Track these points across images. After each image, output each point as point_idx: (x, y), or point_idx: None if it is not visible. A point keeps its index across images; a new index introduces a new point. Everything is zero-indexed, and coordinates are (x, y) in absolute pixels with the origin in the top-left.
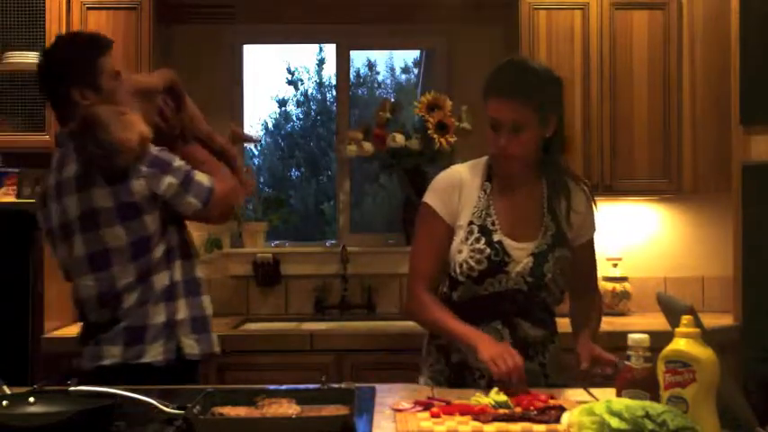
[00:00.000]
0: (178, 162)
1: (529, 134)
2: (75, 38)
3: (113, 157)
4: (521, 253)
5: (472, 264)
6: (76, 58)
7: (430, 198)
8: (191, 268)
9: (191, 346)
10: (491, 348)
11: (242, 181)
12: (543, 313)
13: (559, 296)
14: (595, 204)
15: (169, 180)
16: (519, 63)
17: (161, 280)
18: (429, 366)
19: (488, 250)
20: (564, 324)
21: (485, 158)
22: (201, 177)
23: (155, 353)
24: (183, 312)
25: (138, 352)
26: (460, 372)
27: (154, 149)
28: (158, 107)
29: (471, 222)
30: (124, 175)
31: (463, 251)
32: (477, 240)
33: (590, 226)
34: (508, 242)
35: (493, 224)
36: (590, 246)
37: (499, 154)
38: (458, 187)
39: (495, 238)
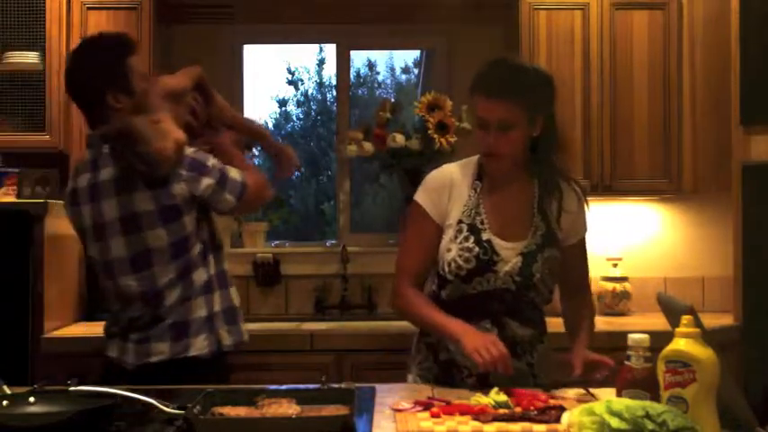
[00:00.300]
0: (212, 161)
1: (517, 133)
2: (102, 40)
3: (153, 166)
4: (509, 252)
5: (461, 262)
6: (107, 61)
7: (420, 197)
8: (221, 261)
9: (225, 338)
10: (475, 340)
11: (286, 153)
12: (532, 312)
13: (548, 296)
14: (587, 204)
15: (207, 181)
16: (507, 62)
17: (200, 276)
18: (417, 364)
19: (477, 249)
20: (556, 324)
21: (476, 157)
22: (234, 174)
23: (199, 346)
24: (218, 304)
25: (185, 346)
26: (448, 370)
27: (189, 151)
28: (190, 106)
29: (461, 221)
30: (165, 180)
31: (452, 250)
32: (466, 239)
33: (581, 226)
34: (497, 241)
35: (482, 223)
36: (581, 246)
37: (488, 153)
38: (448, 186)
39: (484, 236)
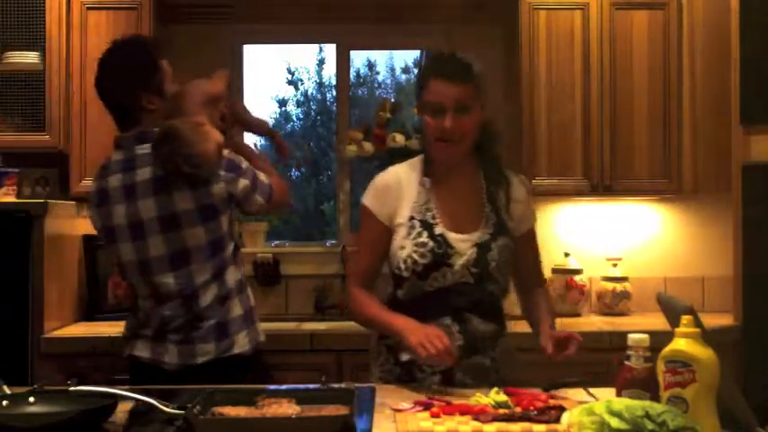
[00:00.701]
0: (245, 163)
1: (473, 117)
2: (132, 42)
3: (198, 168)
4: (464, 245)
5: (416, 258)
6: (140, 63)
7: (367, 200)
8: (242, 262)
9: (260, 334)
10: (418, 333)
11: (277, 138)
12: (492, 307)
13: (505, 285)
14: (531, 196)
15: (244, 182)
16: (454, 52)
17: (233, 275)
18: (379, 366)
19: (431, 243)
20: (520, 326)
21: (421, 156)
22: (262, 176)
23: (242, 343)
24: (249, 302)
25: (229, 345)
26: (410, 370)
27: (224, 152)
28: (221, 111)
29: (412, 218)
30: (206, 181)
31: (406, 246)
32: (420, 234)
33: (530, 216)
34: (450, 234)
35: (434, 218)
36: (532, 237)
37: (444, 138)
38: (394, 187)
39: (437, 231)
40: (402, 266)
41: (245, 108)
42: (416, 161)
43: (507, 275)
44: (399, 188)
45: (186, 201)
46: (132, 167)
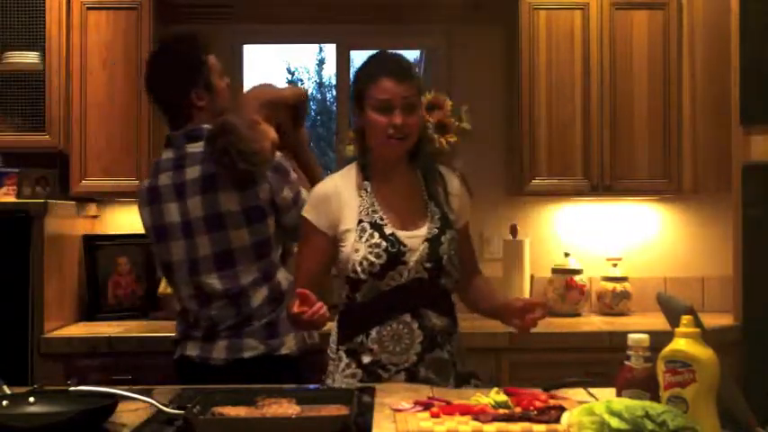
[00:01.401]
0: (294, 174)
1: (417, 116)
2: (179, 39)
3: (252, 165)
4: (415, 241)
5: (372, 259)
6: (188, 60)
7: (307, 211)
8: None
9: (310, 336)
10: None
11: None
12: (445, 302)
13: (456, 276)
14: (470, 192)
15: (287, 192)
16: (392, 52)
17: (285, 278)
18: (341, 372)
19: (384, 243)
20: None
21: (355, 163)
22: (305, 194)
23: (290, 344)
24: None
25: (278, 344)
26: (374, 372)
27: (277, 155)
28: (278, 121)
29: (361, 221)
30: (253, 181)
31: (360, 249)
32: (372, 236)
33: (467, 210)
34: (400, 233)
35: (381, 219)
36: (467, 229)
37: (391, 135)
38: (333, 196)
39: (387, 231)
40: (358, 269)
41: (308, 153)
42: (350, 168)
43: (457, 266)
44: (338, 196)
45: (232, 202)
46: (182, 166)
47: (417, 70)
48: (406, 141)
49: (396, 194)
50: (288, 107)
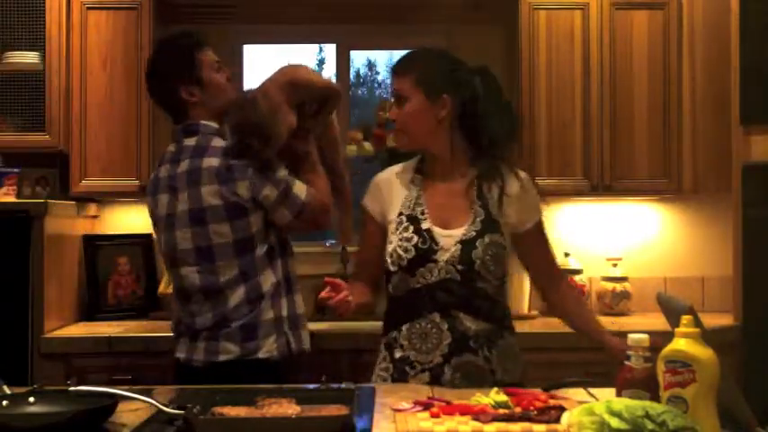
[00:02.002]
0: (282, 172)
1: (410, 106)
2: (171, 37)
3: (265, 142)
4: (448, 240)
5: (400, 252)
6: (176, 58)
7: (365, 200)
8: (289, 266)
9: (293, 341)
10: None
11: (347, 204)
12: (487, 305)
13: (497, 284)
14: (536, 188)
15: (268, 190)
16: (417, 47)
17: (267, 278)
18: (378, 364)
19: (416, 238)
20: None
21: (418, 156)
22: (298, 190)
23: (269, 348)
24: (285, 309)
25: (254, 348)
26: (402, 367)
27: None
28: (302, 103)
29: (401, 213)
30: (269, 164)
31: (393, 241)
32: (406, 229)
33: (532, 211)
34: (437, 230)
35: (422, 213)
36: (539, 231)
37: (396, 128)
38: (387, 184)
39: (424, 226)
40: (388, 260)
41: (339, 154)
42: (412, 161)
43: (499, 273)
44: (390, 186)
45: (213, 196)
46: (178, 159)
47: (426, 62)
48: (401, 134)
49: (443, 191)
50: (314, 94)
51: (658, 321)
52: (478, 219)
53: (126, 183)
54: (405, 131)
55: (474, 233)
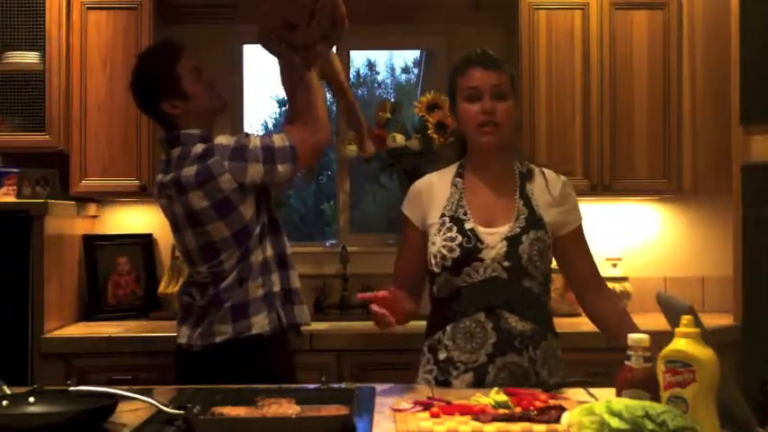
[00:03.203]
0: (253, 141)
1: (508, 105)
2: (149, 52)
3: (284, 34)
4: (493, 238)
5: (445, 252)
6: (155, 73)
7: (404, 206)
8: (280, 243)
9: (282, 317)
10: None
11: (359, 121)
12: (532, 305)
13: (542, 280)
14: (572, 194)
15: (254, 167)
16: (486, 49)
17: (257, 257)
18: (422, 366)
19: (460, 238)
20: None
21: (456, 162)
22: (279, 140)
23: (261, 324)
24: (277, 285)
25: (247, 326)
26: (446, 368)
27: (229, 140)
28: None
29: (443, 215)
30: (210, 176)
31: (436, 242)
32: (449, 230)
33: (574, 213)
34: (480, 229)
35: (465, 214)
36: (578, 236)
37: (483, 121)
38: (426, 190)
39: (468, 226)
40: (432, 262)
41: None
42: (453, 166)
43: (544, 269)
44: (430, 191)
45: (200, 199)
46: (168, 170)
47: (509, 67)
48: (498, 129)
49: (486, 190)
50: (332, 16)
51: (658, 321)
52: (522, 216)
53: (126, 183)
54: (503, 127)
55: (519, 229)
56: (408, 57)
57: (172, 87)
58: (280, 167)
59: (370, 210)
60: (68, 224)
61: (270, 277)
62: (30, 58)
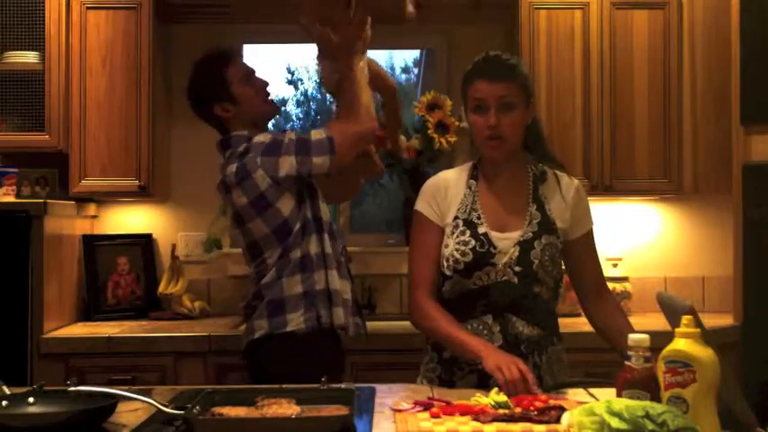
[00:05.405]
0: (288, 135)
1: (516, 115)
2: (201, 59)
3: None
4: (506, 243)
5: (458, 256)
6: (208, 79)
7: (419, 205)
8: (322, 241)
9: (324, 316)
10: (497, 357)
11: (399, 119)
12: (540, 311)
13: (553, 286)
14: (585, 199)
15: (287, 159)
16: (499, 54)
17: (295, 254)
18: (425, 365)
19: (473, 242)
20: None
21: (471, 162)
22: (315, 133)
23: (297, 321)
24: (318, 284)
25: (282, 322)
26: (451, 368)
27: (266, 137)
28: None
29: (457, 217)
30: (247, 173)
31: (449, 245)
32: (463, 233)
33: (585, 217)
34: (493, 233)
35: (478, 218)
36: (588, 241)
37: (489, 136)
38: (443, 188)
39: (481, 230)
40: (445, 264)
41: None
42: (465, 166)
43: (555, 275)
44: (447, 189)
45: (239, 197)
46: (222, 171)
47: (522, 70)
48: (504, 142)
49: (499, 194)
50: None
51: (658, 321)
52: (535, 221)
53: (125, 183)
54: (508, 140)
55: (531, 234)
56: (408, 57)
57: (222, 91)
58: (316, 159)
59: (370, 210)
60: (68, 224)
61: (311, 275)
62: (29, 57)
